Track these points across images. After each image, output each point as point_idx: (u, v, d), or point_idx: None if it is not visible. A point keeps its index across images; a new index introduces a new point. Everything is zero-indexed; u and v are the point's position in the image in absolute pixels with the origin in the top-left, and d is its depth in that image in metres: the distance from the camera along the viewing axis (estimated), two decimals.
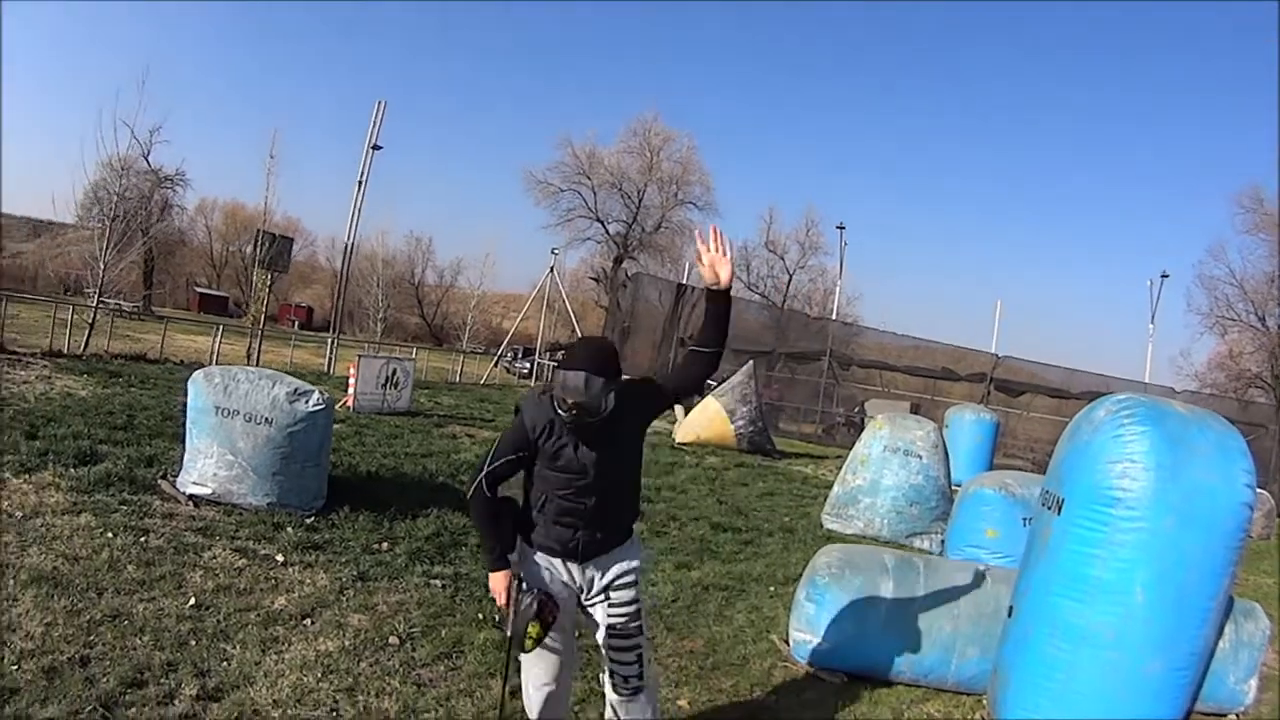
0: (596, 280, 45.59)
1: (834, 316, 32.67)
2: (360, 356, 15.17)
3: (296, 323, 61.58)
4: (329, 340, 22.27)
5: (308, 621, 4.80)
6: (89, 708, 3.45)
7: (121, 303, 37.36)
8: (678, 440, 17.46)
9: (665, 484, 11.50)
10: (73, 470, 7.01)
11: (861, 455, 10.51)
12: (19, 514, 5.78)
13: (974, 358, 27.74)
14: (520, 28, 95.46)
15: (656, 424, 21.58)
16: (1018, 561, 4.81)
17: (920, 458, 10.05)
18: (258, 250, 20.88)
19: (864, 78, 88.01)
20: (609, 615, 3.23)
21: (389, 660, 4.41)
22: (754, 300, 40.97)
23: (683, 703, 4.43)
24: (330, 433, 7.66)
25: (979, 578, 5.20)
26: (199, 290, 63.94)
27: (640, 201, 42.92)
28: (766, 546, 8.58)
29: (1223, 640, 4.84)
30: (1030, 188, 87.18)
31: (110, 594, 4.69)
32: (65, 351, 15.75)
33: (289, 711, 3.71)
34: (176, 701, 3.63)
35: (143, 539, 5.71)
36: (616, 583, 3.24)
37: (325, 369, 21.84)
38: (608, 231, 43.40)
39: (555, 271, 33.04)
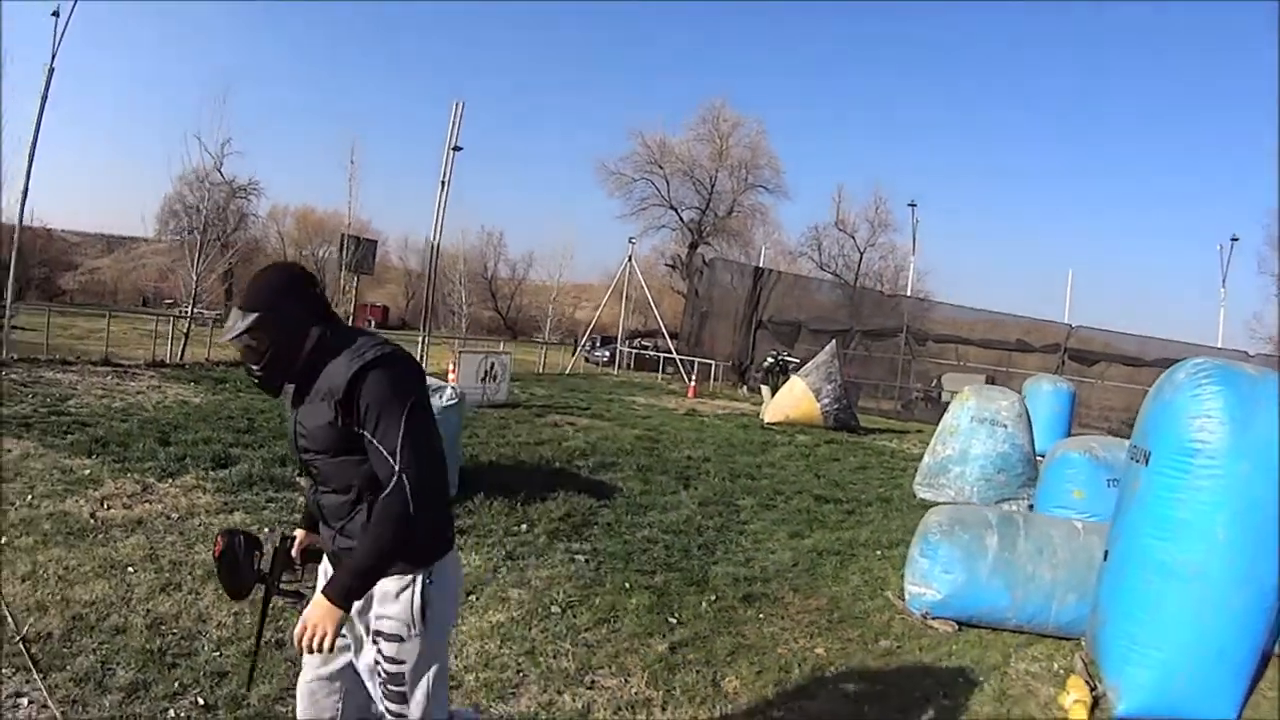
0: (672, 267, 46.30)
1: (908, 293, 32.75)
2: (461, 352, 16.12)
3: (373, 322, 63.26)
4: (420, 338, 23.30)
5: (473, 597, 5.32)
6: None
7: (204, 311, 39.09)
8: (766, 420, 18.06)
9: (764, 461, 12.18)
10: (213, 473, 7.65)
11: (950, 426, 10.91)
12: (175, 515, 6.34)
13: (1048, 329, 27.64)
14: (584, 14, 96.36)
15: (742, 405, 22.19)
16: (1103, 519, 5.31)
17: (1006, 427, 10.44)
18: (344, 254, 21.73)
19: (922, 51, 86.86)
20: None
21: (555, 627, 4.96)
22: (826, 279, 41.29)
23: (820, 651, 5.04)
24: (461, 425, 8.38)
25: (1073, 530, 5.73)
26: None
27: (712, 187, 43.48)
28: (868, 515, 9.14)
29: None
30: (1095, 155, 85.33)
31: None
32: (167, 361, 16.88)
33: (480, 675, 4.25)
34: None
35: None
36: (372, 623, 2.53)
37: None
38: (681, 218, 44.17)
39: (633, 260, 33.76)
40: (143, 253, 54.70)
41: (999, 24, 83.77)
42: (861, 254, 46.71)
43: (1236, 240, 31.25)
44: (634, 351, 36.21)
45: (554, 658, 4.54)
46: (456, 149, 22.98)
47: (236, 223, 43.43)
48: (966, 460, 10.44)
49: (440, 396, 7.64)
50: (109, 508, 6.31)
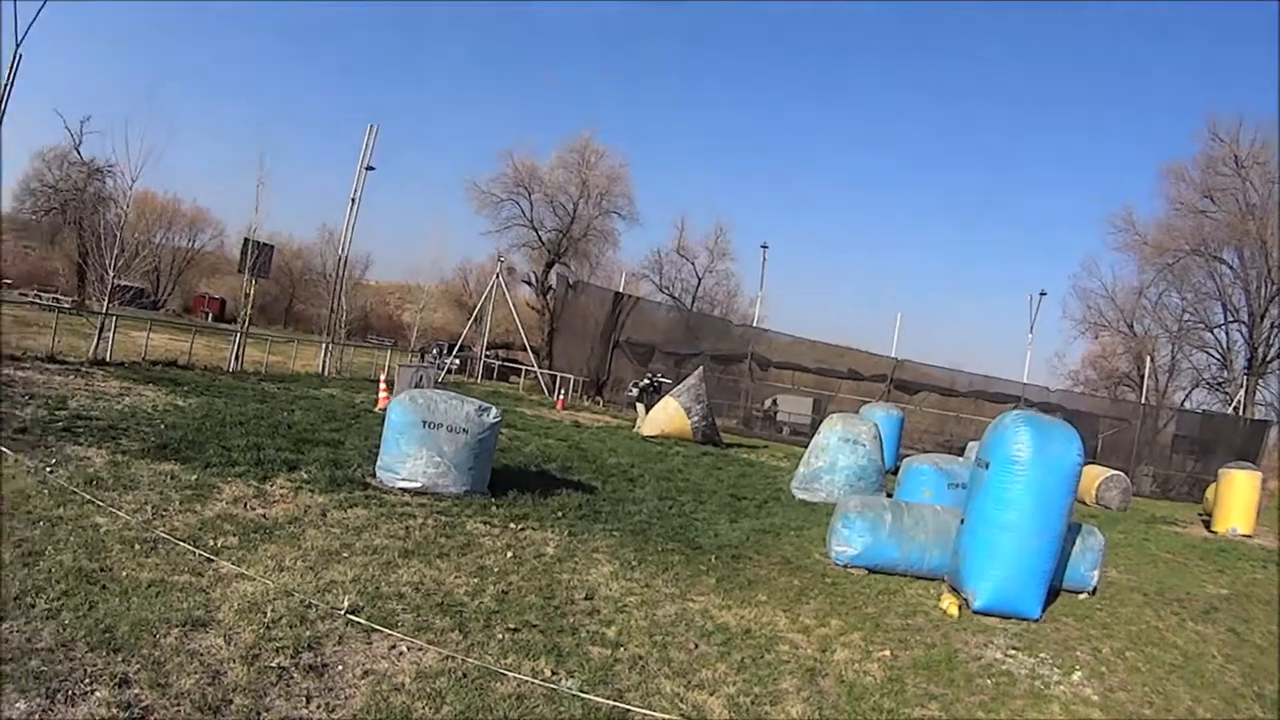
0: (528, 284, 48.81)
1: (754, 324, 36.84)
2: (400, 366, 18.37)
3: (209, 315, 61.46)
4: (323, 344, 24.89)
5: (575, 559, 7.74)
6: (559, 612, 6.36)
7: (60, 297, 38.14)
8: (644, 434, 20.91)
9: (671, 467, 15.30)
10: (292, 474, 8.92)
11: (821, 444, 14.31)
12: (315, 511, 7.70)
13: (877, 361, 32.49)
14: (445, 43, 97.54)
15: (606, 418, 25.18)
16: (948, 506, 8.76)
17: (865, 446, 14.02)
18: (245, 258, 22.99)
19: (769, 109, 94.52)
20: None
21: (642, 573, 7.61)
22: (675, 307, 45.06)
23: (796, 582, 8.16)
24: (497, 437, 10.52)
25: (936, 512, 9.18)
26: (115, 283, 63.18)
27: (574, 212, 46.44)
28: (772, 509, 12.40)
29: (1075, 546, 8.95)
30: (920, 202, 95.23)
31: (455, 555, 7.13)
32: (108, 360, 17.22)
33: (628, 600, 6.82)
34: (579, 601, 6.60)
35: (416, 521, 7.95)
36: None
37: (320, 370, 24.49)
38: (541, 239, 46.66)
39: (500, 277, 36.19)
40: None
41: (825, 79, 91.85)
42: (700, 279, 51.01)
43: (1045, 294, 37.77)
44: (497, 363, 38.46)
45: (662, 588, 7.30)
46: (369, 169, 24.76)
47: (94, 206, 41.92)
48: (835, 470, 13.89)
49: (488, 415, 9.83)
50: (252, 509, 7.53)
